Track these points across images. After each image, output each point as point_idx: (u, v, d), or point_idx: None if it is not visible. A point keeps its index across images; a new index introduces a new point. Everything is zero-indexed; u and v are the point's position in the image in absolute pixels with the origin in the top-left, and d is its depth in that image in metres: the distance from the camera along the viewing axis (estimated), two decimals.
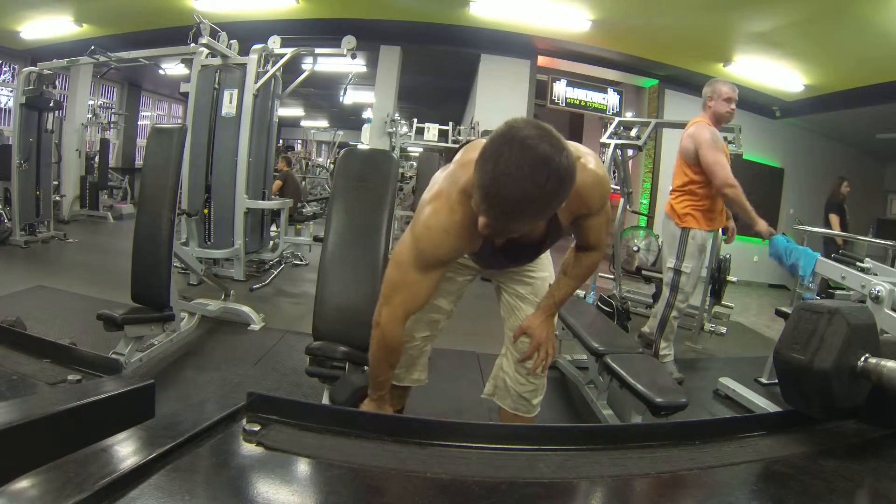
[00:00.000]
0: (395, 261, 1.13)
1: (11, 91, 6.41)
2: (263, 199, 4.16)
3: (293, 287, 4.29)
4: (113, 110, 8.25)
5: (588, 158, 1.11)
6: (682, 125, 4.01)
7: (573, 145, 1.08)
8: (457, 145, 5.29)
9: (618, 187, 4.22)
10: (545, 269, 1.51)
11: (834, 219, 5.30)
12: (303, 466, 0.50)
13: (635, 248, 5.17)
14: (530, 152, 0.82)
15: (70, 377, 0.60)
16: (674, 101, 6.29)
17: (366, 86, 7.46)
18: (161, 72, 5.54)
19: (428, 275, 1.11)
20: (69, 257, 4.85)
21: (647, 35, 5.24)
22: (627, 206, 4.35)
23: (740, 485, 0.57)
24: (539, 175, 0.82)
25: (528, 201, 0.84)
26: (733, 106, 2.75)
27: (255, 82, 3.81)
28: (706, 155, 2.63)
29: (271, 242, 4.57)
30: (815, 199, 6.88)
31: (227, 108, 3.87)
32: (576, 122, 9.25)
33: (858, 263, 2.19)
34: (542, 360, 1.35)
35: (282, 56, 3.94)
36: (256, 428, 0.53)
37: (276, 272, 4.35)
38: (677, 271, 2.75)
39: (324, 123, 13.72)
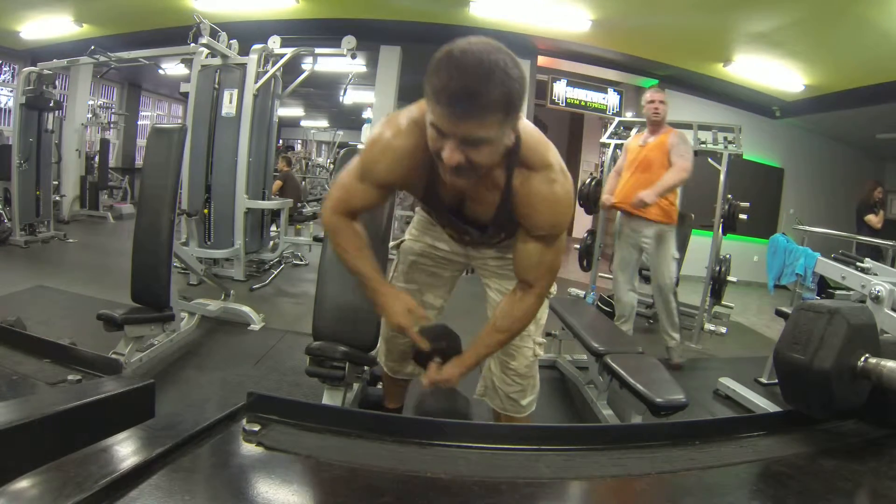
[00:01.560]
0: (348, 166, 1.17)
1: (11, 91, 6.41)
2: (263, 199, 4.16)
3: (293, 287, 4.29)
4: (113, 110, 8.25)
5: (559, 178, 1.06)
6: (681, 125, 4.00)
7: (554, 154, 1.08)
8: None
9: None
10: None
11: (873, 218, 4.92)
12: (303, 466, 0.50)
13: None
14: (479, 44, 0.85)
15: (70, 377, 0.60)
16: (674, 101, 6.25)
17: (366, 86, 7.45)
18: (161, 72, 5.55)
19: (365, 187, 1.12)
20: (69, 257, 4.85)
21: (647, 35, 5.23)
22: None
23: (740, 485, 0.57)
24: (488, 60, 0.83)
25: (477, 86, 0.82)
26: (653, 105, 3.06)
27: (255, 82, 3.81)
28: None
29: (271, 242, 4.57)
30: (815, 199, 6.89)
31: (227, 108, 3.87)
32: (576, 122, 9.26)
33: (858, 263, 2.19)
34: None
35: (282, 56, 3.94)
36: (256, 428, 0.53)
37: (276, 272, 4.35)
38: None
39: (324, 123, 13.72)
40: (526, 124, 1.05)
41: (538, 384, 1.50)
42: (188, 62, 4.13)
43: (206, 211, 3.95)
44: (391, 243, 1.55)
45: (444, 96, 0.84)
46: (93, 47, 4.43)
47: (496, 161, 0.97)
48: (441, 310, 1.53)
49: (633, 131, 3.90)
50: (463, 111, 0.84)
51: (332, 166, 10.04)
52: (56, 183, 6.03)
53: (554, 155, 1.08)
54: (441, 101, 0.85)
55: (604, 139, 3.98)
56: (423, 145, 0.98)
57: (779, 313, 2.64)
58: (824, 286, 3.07)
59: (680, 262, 3.28)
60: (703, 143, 3.61)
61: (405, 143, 1.04)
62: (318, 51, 4.07)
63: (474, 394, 1.57)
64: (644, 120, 3.38)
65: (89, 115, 7.43)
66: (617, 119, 4.07)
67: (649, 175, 2.99)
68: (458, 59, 0.84)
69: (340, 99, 7.63)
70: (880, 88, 5.06)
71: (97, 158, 7.43)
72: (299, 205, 5.36)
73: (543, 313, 1.45)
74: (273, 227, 4.65)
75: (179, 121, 9.97)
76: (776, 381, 0.70)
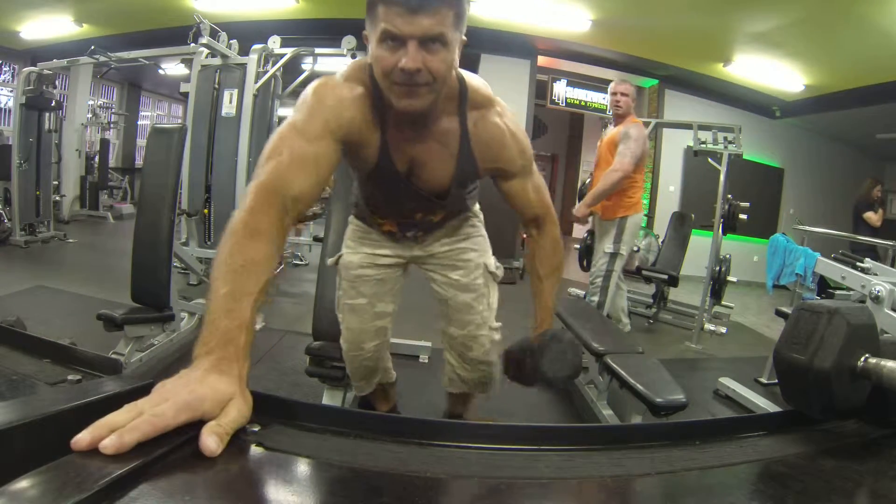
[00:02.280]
0: (278, 129, 0.91)
1: (11, 91, 6.41)
2: None
3: (293, 287, 4.29)
4: (113, 110, 8.25)
5: (505, 110, 1.09)
6: (682, 125, 3.99)
7: (494, 97, 1.09)
8: None
9: None
10: (480, 247, 1.41)
11: (872, 215, 4.82)
12: (303, 467, 0.50)
13: (635, 248, 5.16)
14: None
15: (70, 377, 0.60)
16: (674, 101, 6.29)
17: None
18: (161, 72, 5.55)
19: (306, 141, 0.87)
20: (69, 257, 4.85)
21: (647, 35, 5.24)
22: None
23: (740, 485, 0.57)
24: None
25: None
26: (615, 98, 2.98)
27: (255, 82, 3.81)
28: None
29: None
30: (815, 199, 6.90)
31: (227, 108, 3.87)
32: (576, 122, 9.26)
33: (858, 263, 2.19)
34: None
35: (282, 56, 3.94)
36: (256, 428, 0.53)
37: (275, 272, 4.34)
38: None
39: None
40: (466, 72, 1.07)
41: (497, 361, 1.50)
42: (188, 62, 4.13)
43: (206, 211, 3.95)
44: (329, 261, 1.49)
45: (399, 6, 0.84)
46: (93, 47, 4.42)
47: (447, 79, 0.94)
48: (394, 315, 1.47)
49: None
50: (421, 1, 0.83)
51: None
52: (56, 183, 6.03)
53: (495, 98, 1.10)
54: (398, 6, 0.83)
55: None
56: (371, 95, 0.97)
57: (779, 313, 2.64)
58: (824, 286, 3.07)
59: (616, 255, 2.98)
60: (703, 143, 3.61)
61: (358, 91, 0.97)
62: (318, 51, 4.07)
63: (442, 385, 1.60)
64: (644, 120, 3.37)
65: (89, 115, 7.43)
66: None
67: (600, 173, 2.98)
68: None
69: None
70: (880, 88, 5.06)
71: (97, 158, 7.44)
72: None
73: (495, 297, 1.44)
74: None
75: (179, 121, 9.96)
76: (776, 381, 0.70)
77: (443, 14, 0.86)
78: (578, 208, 2.93)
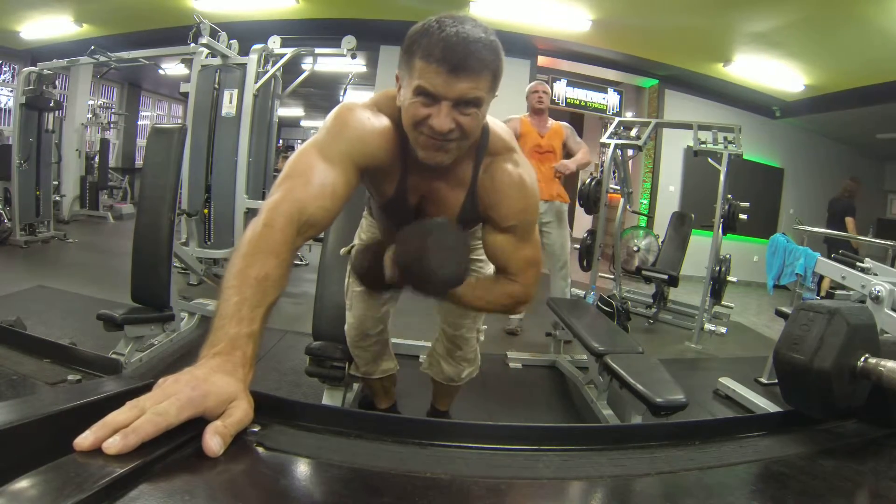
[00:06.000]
0: (300, 148, 0.91)
1: (11, 91, 6.41)
2: (263, 199, 4.14)
3: (293, 287, 4.28)
4: (113, 110, 8.25)
5: (522, 162, 1.03)
6: (682, 125, 3.99)
7: (514, 146, 1.05)
8: None
9: (618, 187, 4.23)
10: (484, 259, 1.38)
11: (851, 222, 4.86)
12: (303, 467, 0.50)
13: (635, 249, 5.16)
14: (464, 17, 0.87)
15: (70, 377, 0.60)
16: (674, 101, 6.29)
17: (366, 86, 7.46)
18: (161, 72, 5.54)
19: (327, 166, 0.85)
20: (69, 257, 4.85)
21: (647, 35, 5.24)
22: (627, 206, 4.35)
23: (740, 485, 0.57)
24: (477, 24, 0.86)
25: (474, 41, 0.83)
26: (538, 95, 3.15)
27: (255, 82, 3.81)
28: None
29: None
30: (815, 199, 6.89)
31: (227, 108, 3.87)
32: (576, 122, 9.25)
33: (858, 263, 2.19)
34: None
35: (282, 56, 3.94)
36: (256, 428, 0.53)
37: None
38: None
39: None
40: (490, 118, 1.03)
41: (478, 359, 1.64)
42: (188, 62, 4.13)
43: (206, 211, 3.95)
44: (342, 250, 1.53)
45: (440, 51, 0.82)
46: (93, 47, 4.42)
47: (476, 136, 0.94)
48: (396, 300, 1.55)
49: (628, 127, 3.89)
50: (462, 65, 0.82)
51: None
52: (56, 183, 6.02)
53: (515, 142, 1.07)
54: (436, 57, 0.82)
55: (604, 139, 3.97)
56: (396, 130, 0.95)
57: (779, 313, 2.64)
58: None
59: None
60: (703, 143, 3.61)
61: (384, 125, 0.95)
62: (318, 51, 4.07)
63: (420, 367, 1.74)
64: (644, 120, 3.37)
65: (89, 115, 7.43)
66: (617, 119, 4.06)
67: (549, 158, 3.14)
68: (451, 20, 0.84)
69: (340, 99, 7.62)
70: (880, 88, 5.06)
71: (97, 158, 7.43)
72: None
73: None
74: None
75: (179, 121, 9.96)
76: (776, 381, 0.70)
77: (482, 78, 0.84)
78: (566, 164, 3.15)
